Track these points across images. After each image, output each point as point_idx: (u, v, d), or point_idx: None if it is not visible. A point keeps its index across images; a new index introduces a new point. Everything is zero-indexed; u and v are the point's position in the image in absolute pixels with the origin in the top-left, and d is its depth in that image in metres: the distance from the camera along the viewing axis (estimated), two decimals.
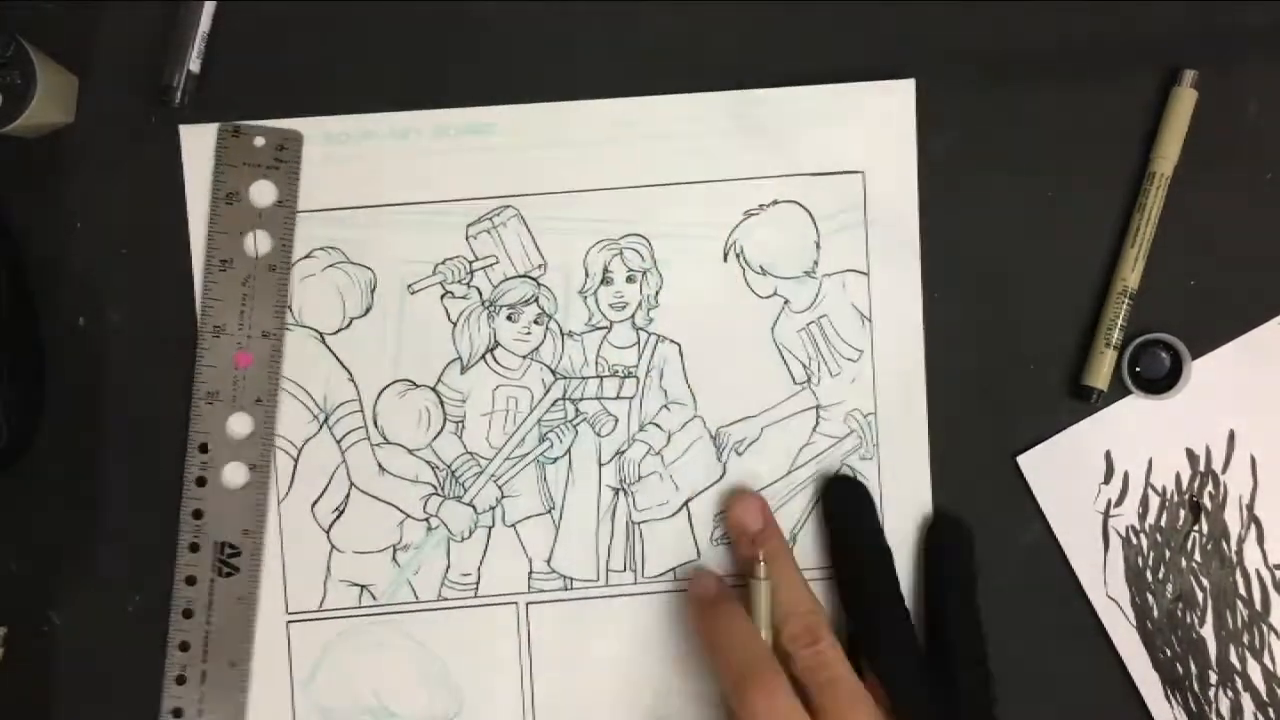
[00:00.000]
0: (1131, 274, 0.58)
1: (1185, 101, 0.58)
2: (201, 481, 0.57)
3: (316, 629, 0.58)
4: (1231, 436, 0.59)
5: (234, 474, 0.58)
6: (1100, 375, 0.58)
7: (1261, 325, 0.59)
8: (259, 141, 0.57)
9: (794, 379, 0.59)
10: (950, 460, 0.59)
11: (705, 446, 0.59)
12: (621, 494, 0.59)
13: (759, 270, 0.59)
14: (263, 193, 0.57)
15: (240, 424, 0.58)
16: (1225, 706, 0.58)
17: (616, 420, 0.59)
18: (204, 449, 0.57)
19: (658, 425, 0.59)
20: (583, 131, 0.58)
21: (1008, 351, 0.59)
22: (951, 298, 0.59)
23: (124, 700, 0.58)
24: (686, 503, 0.59)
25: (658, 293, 0.59)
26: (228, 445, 0.57)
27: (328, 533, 0.58)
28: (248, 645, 0.58)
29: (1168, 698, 0.59)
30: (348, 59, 0.58)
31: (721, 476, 0.59)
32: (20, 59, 0.53)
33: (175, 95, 0.56)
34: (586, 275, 0.58)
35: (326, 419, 0.58)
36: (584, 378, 0.59)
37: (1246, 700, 0.59)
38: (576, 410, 0.59)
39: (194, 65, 0.57)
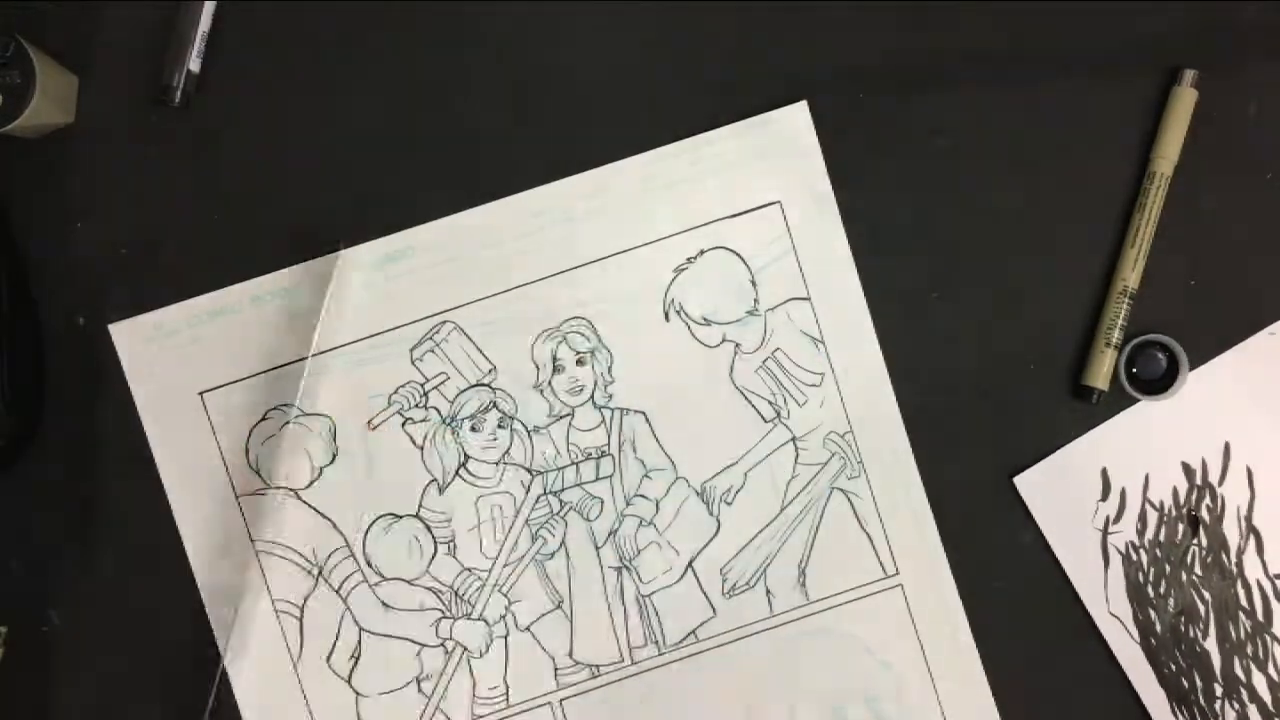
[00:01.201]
0: (1132, 274, 0.58)
1: (1185, 101, 0.58)
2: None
3: None
4: (1227, 449, 0.59)
5: None
6: (1100, 375, 0.58)
7: (1253, 336, 0.59)
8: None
9: (763, 418, 0.59)
10: (948, 476, 0.59)
11: (695, 505, 0.59)
12: (625, 571, 0.59)
13: (702, 321, 0.59)
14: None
15: None
16: (1231, 718, 0.58)
17: (602, 502, 0.59)
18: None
19: (643, 496, 0.59)
20: (496, 233, 0.58)
21: (1007, 352, 0.59)
22: (951, 298, 0.59)
23: (124, 700, 0.58)
24: (690, 564, 0.59)
25: (610, 368, 0.59)
26: None
27: (349, 681, 0.58)
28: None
29: (1174, 712, 0.58)
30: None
31: (718, 530, 0.59)
32: (20, 59, 0.53)
33: (175, 95, 0.57)
34: (537, 368, 0.59)
35: (320, 571, 0.58)
36: (560, 468, 0.59)
37: (1253, 711, 0.58)
38: (561, 502, 0.59)
39: (194, 65, 0.57)
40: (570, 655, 0.59)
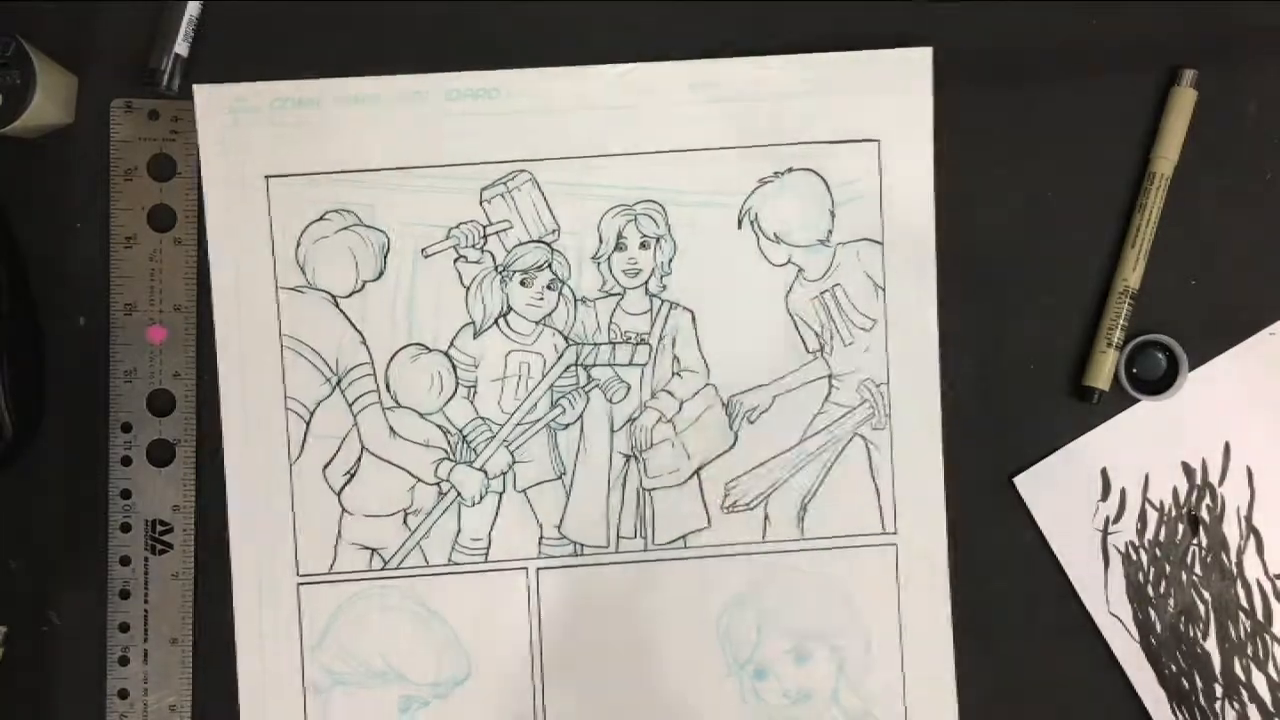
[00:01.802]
0: (1133, 274, 0.58)
1: (1185, 101, 0.58)
2: (127, 461, 0.58)
3: (327, 592, 0.58)
4: (1227, 449, 0.59)
5: (159, 451, 0.58)
6: (1102, 376, 0.58)
7: (1253, 336, 0.59)
8: (153, 115, 0.57)
9: (806, 348, 0.59)
10: (949, 475, 0.59)
11: (717, 414, 0.59)
12: (633, 460, 0.59)
13: (773, 238, 0.59)
14: (161, 166, 0.58)
15: (160, 400, 0.58)
16: (1232, 718, 0.59)
17: (629, 387, 0.59)
18: (126, 428, 0.58)
19: (669, 392, 0.59)
20: (597, 97, 0.58)
21: (1007, 353, 0.59)
22: (950, 298, 0.59)
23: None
24: (698, 470, 0.59)
25: (671, 260, 0.59)
26: (150, 422, 0.58)
27: (339, 496, 0.58)
28: (187, 620, 0.58)
29: (1174, 712, 0.59)
30: (348, 26, 0.58)
31: (733, 444, 0.59)
32: (20, 59, 0.53)
33: (162, 78, 0.56)
34: (600, 241, 0.58)
35: (339, 382, 0.58)
36: (597, 344, 0.59)
37: (1253, 711, 0.59)
38: (589, 376, 0.59)
39: (181, 48, 0.57)
40: (558, 528, 0.59)
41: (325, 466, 0.58)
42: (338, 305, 0.58)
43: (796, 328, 0.59)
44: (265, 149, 0.57)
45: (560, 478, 0.59)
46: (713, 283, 0.59)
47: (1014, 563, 0.60)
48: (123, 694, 0.58)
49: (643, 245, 0.58)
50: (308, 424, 0.58)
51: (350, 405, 0.58)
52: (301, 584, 0.58)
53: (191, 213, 0.58)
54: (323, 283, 0.58)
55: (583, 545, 0.59)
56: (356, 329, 0.58)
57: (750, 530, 0.59)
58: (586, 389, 0.59)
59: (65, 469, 0.58)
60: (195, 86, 0.57)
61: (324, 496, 0.58)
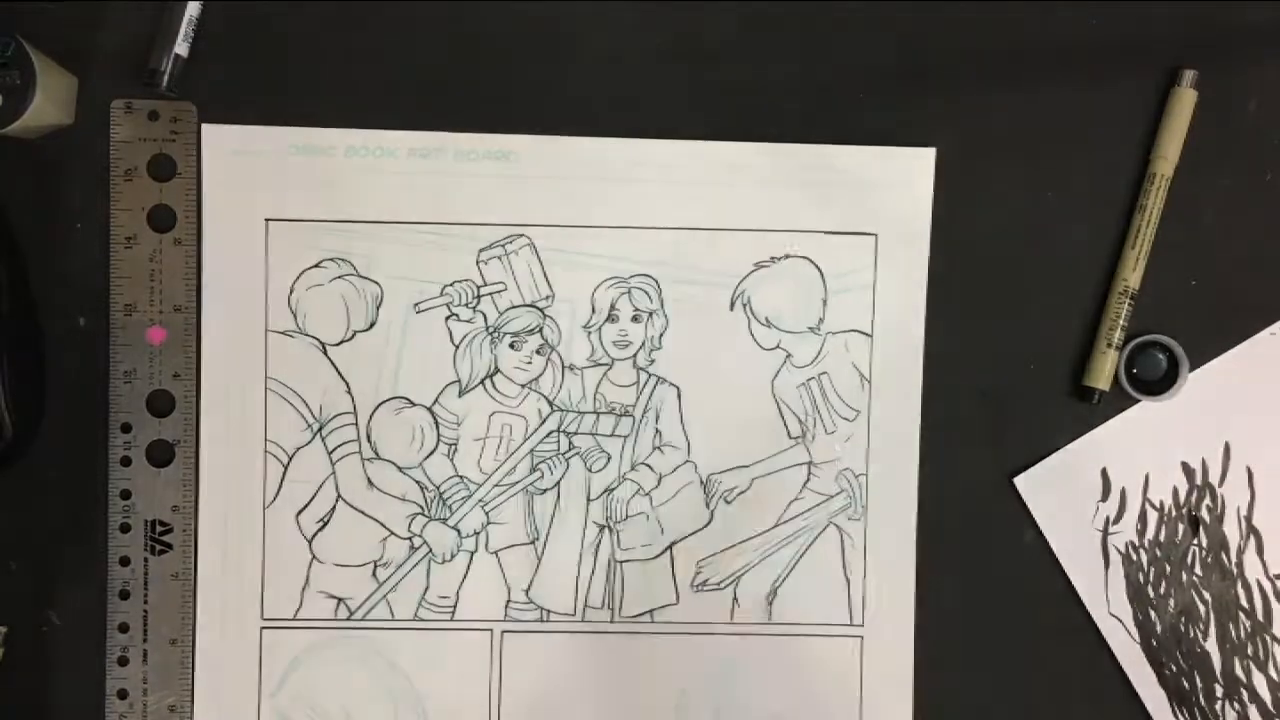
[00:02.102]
0: (1133, 274, 0.58)
1: (1185, 101, 0.58)
2: (126, 461, 0.57)
3: (290, 637, 0.58)
4: (1227, 449, 0.59)
5: (158, 451, 0.58)
6: (1102, 376, 0.58)
7: (1253, 336, 0.59)
8: (153, 115, 0.57)
9: (789, 433, 0.59)
10: (949, 476, 0.59)
11: (695, 492, 0.59)
12: (607, 531, 0.59)
13: (764, 322, 0.59)
14: (160, 166, 0.58)
15: (160, 401, 0.58)
16: (1232, 719, 0.58)
17: (609, 457, 0.59)
18: (126, 429, 0.57)
19: (649, 466, 0.59)
20: (603, 168, 0.58)
21: (1008, 352, 0.59)
22: (951, 298, 0.59)
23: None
24: (670, 546, 0.59)
25: (662, 334, 0.59)
26: (150, 423, 0.58)
27: (310, 542, 0.58)
28: (187, 621, 0.58)
29: (1175, 713, 0.59)
30: (344, 27, 0.58)
31: (708, 523, 0.59)
32: (20, 59, 0.53)
33: (162, 79, 0.56)
34: (593, 310, 0.59)
35: (320, 429, 0.58)
36: (581, 412, 0.59)
37: (1253, 712, 0.58)
38: (570, 443, 0.59)
39: (181, 49, 0.56)
40: (526, 592, 0.59)
41: (299, 512, 0.58)
42: (326, 353, 0.58)
43: (780, 412, 0.59)
44: (268, 192, 0.57)
45: (533, 542, 0.59)
46: (701, 361, 0.59)
47: (1014, 563, 0.59)
48: (122, 694, 0.58)
49: (635, 318, 0.59)
50: (286, 468, 0.58)
51: (330, 453, 0.58)
52: (265, 627, 0.58)
53: (191, 213, 0.58)
54: (313, 329, 0.58)
55: (550, 612, 0.59)
56: (343, 377, 0.58)
57: (718, 610, 0.59)
58: (567, 456, 0.59)
59: (65, 469, 0.58)
60: (204, 126, 0.57)
61: (295, 542, 0.58)
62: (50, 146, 0.57)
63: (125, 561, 0.58)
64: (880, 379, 0.59)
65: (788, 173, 0.58)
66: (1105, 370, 0.58)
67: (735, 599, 0.59)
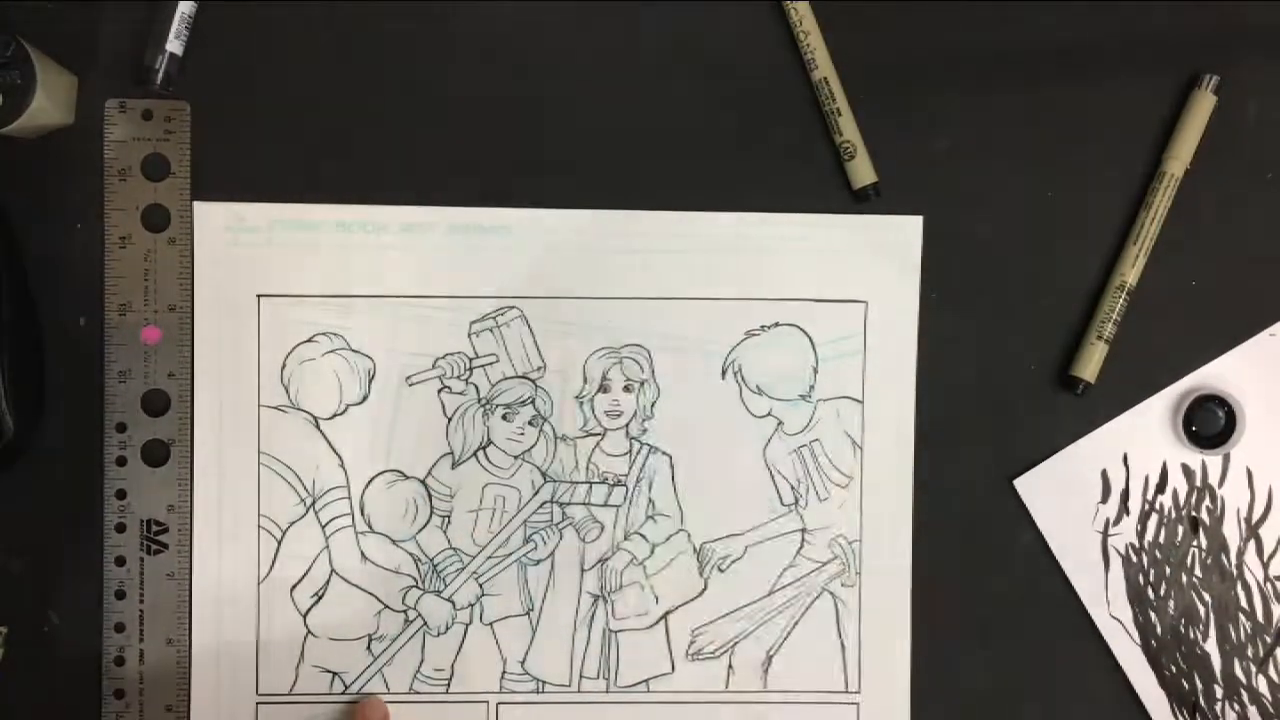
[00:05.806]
0: (1131, 271, 0.58)
1: (1204, 105, 0.58)
2: (122, 461, 0.57)
3: (286, 712, 0.58)
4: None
5: (153, 451, 0.58)
6: (1089, 368, 0.58)
7: (1253, 336, 0.59)
8: (147, 115, 0.57)
9: (782, 500, 0.59)
10: (948, 477, 0.59)
11: (688, 560, 0.59)
12: (601, 601, 0.59)
13: (755, 390, 0.59)
14: (154, 166, 0.58)
15: (155, 400, 0.58)
16: None
17: (602, 527, 0.59)
18: (121, 428, 0.57)
19: (643, 535, 0.59)
20: (594, 240, 0.58)
21: (1007, 353, 0.59)
22: (951, 298, 0.59)
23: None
24: (665, 615, 0.59)
25: (654, 404, 0.59)
26: (145, 422, 0.58)
27: (305, 617, 0.58)
28: (183, 621, 0.58)
29: (1175, 714, 0.58)
30: (335, 25, 0.58)
31: (702, 591, 0.59)
32: (20, 59, 0.53)
33: (156, 77, 0.56)
34: (585, 381, 0.59)
35: (313, 503, 0.58)
36: (573, 482, 0.59)
37: (1254, 713, 0.58)
38: (563, 514, 0.59)
39: (175, 46, 0.56)
40: (522, 664, 0.59)
41: (293, 587, 0.58)
42: (318, 426, 0.58)
43: (773, 479, 0.59)
44: (260, 268, 0.58)
45: (527, 613, 0.59)
46: (693, 429, 0.59)
47: (1014, 565, 0.60)
48: (119, 694, 0.57)
49: (626, 388, 0.59)
50: (279, 543, 0.58)
51: (323, 527, 0.58)
52: (261, 703, 0.58)
53: (185, 213, 0.58)
54: (305, 404, 0.58)
55: (545, 683, 0.59)
56: (335, 451, 0.58)
57: (713, 679, 0.59)
58: (560, 526, 0.59)
59: (64, 469, 0.58)
60: (196, 204, 0.58)
61: (290, 617, 0.58)
62: (50, 146, 0.57)
63: (121, 561, 0.57)
64: (872, 445, 0.59)
65: (777, 242, 0.59)
66: (1093, 362, 0.58)
67: (730, 667, 0.59)
